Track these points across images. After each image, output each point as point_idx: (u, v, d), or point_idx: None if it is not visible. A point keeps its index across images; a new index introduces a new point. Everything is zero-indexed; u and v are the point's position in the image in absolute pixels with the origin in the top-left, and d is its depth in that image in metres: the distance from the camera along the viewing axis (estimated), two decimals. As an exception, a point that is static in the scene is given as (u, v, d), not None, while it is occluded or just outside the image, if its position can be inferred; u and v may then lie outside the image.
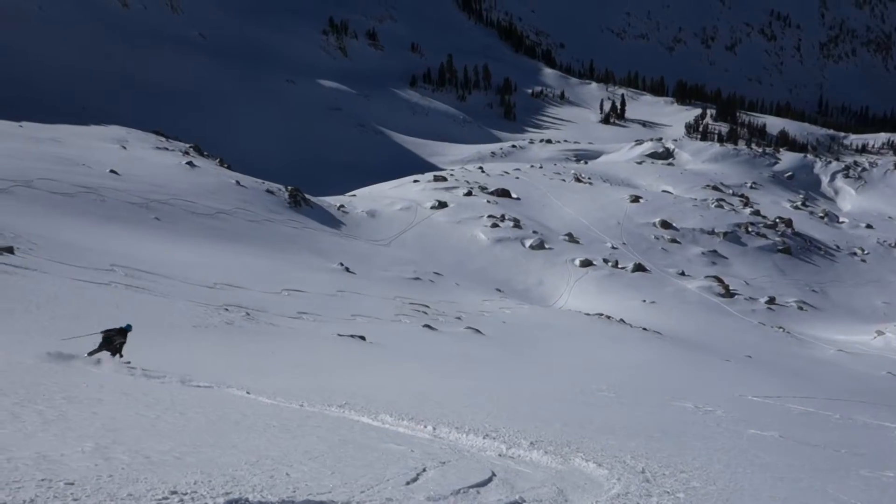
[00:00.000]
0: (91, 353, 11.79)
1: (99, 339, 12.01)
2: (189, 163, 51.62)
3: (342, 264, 38.75)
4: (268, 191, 52.44)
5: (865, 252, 71.89)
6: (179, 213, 39.40)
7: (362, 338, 20.10)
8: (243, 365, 13.10)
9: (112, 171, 42.64)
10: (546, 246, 56.47)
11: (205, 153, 59.56)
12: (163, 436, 6.72)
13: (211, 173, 51.80)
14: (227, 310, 20.34)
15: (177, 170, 49.33)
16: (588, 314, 38.82)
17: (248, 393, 10.33)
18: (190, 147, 58.51)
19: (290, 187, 54.80)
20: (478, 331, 26.70)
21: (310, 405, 9.83)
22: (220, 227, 40.24)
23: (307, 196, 55.45)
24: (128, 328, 12.26)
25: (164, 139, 59.13)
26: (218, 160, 59.20)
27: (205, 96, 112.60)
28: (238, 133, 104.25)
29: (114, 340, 12.03)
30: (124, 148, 51.93)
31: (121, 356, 11.95)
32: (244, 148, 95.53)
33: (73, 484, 4.88)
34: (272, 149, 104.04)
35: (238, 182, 51.24)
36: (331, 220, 53.19)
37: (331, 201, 59.11)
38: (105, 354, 11.82)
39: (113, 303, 17.84)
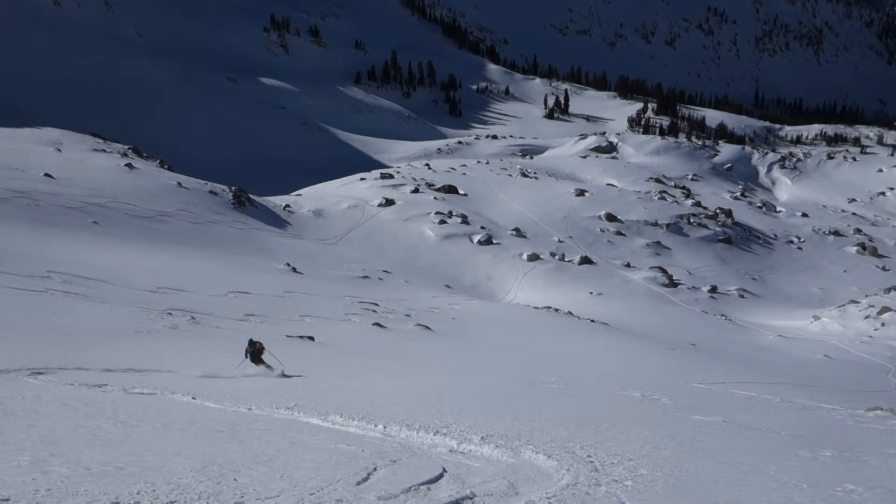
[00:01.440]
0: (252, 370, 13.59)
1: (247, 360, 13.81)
2: (128, 164, 50.50)
3: (289, 265, 38.38)
4: (211, 192, 51.61)
5: (802, 240, 74.07)
6: (119, 217, 38.52)
7: (311, 338, 19.92)
8: (188, 369, 12.85)
9: (47, 174, 41.47)
10: (494, 241, 56.78)
11: (144, 154, 58.31)
12: (104, 446, 6.56)
13: (151, 175, 50.77)
14: (170, 314, 19.94)
15: (115, 172, 48.20)
16: (536, 307, 39.15)
17: (193, 398, 10.13)
18: (129, 148, 57.18)
19: (233, 188, 54.05)
20: (428, 327, 26.70)
21: (258, 408, 9.69)
22: (163, 230, 39.47)
23: (252, 196, 54.78)
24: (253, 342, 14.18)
25: (101, 141, 57.68)
26: (158, 161, 58.02)
27: (143, 96, 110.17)
28: (179, 133, 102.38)
29: (249, 353, 13.88)
30: (59, 150, 50.54)
31: (261, 361, 13.78)
32: (185, 148, 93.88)
33: (7, 500, 4.73)
34: (214, 149, 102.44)
35: (180, 183, 50.30)
36: (276, 220, 52.63)
37: (276, 201, 58.48)
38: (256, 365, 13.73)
39: (50, 310, 17.34)
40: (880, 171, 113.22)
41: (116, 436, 7.05)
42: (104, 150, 54.00)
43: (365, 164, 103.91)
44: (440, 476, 6.57)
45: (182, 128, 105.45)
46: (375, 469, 6.60)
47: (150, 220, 40.22)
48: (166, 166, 57.55)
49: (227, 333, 19.13)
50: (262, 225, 49.59)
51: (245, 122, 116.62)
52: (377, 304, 30.70)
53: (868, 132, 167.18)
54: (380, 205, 61.14)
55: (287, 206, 57.36)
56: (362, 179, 71.38)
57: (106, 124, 78.71)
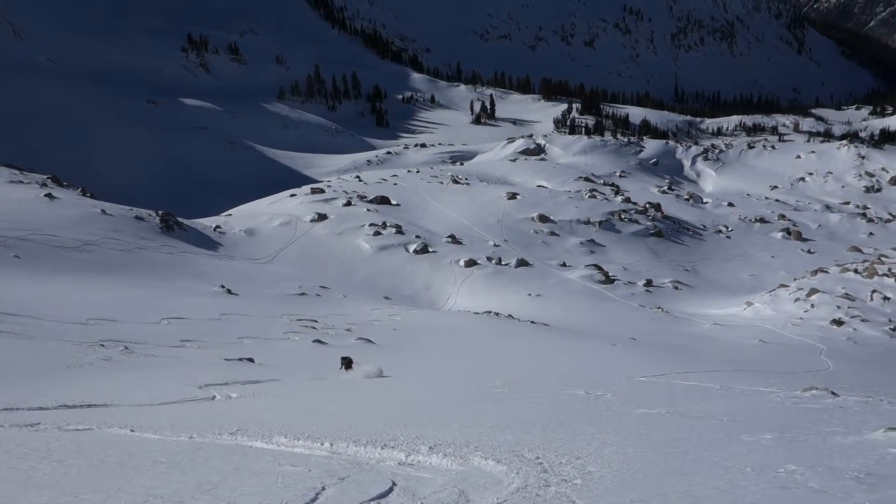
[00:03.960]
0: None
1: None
2: (48, 195, 48.86)
3: (223, 286, 37.67)
4: (137, 217, 50.35)
5: (730, 229, 76.33)
6: (42, 249, 37.21)
7: (251, 360, 19.56)
8: (125, 401, 12.45)
9: (-38, 210, 39.84)
10: (430, 249, 56.84)
11: (64, 183, 56.50)
12: (40, 487, 6.29)
13: (73, 204, 49.23)
14: (103, 345, 19.32)
15: (35, 203, 46.59)
16: (477, 313, 39.30)
17: (131, 430, 9.81)
18: (48, 178, 55.34)
19: (160, 212, 52.84)
20: (369, 340, 26.52)
21: (199, 436, 9.44)
22: (89, 260, 38.29)
23: (180, 219, 53.64)
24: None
25: (17, 171, 55.65)
26: (80, 189, 56.33)
27: (60, 124, 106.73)
28: (100, 160, 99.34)
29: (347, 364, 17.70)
30: (-27, 184, 48.65)
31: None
32: (108, 175, 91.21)
33: (-64, 554, 4.48)
34: (138, 174, 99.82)
35: (104, 211, 48.93)
36: (207, 242, 51.65)
37: (206, 223, 57.40)
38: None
39: (-26, 351, 16.59)
40: (798, 157, 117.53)
41: (52, 475, 6.77)
42: (21, 181, 52.11)
43: (295, 179, 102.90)
44: (390, 490, 6.50)
45: (103, 154, 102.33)
46: (324, 488, 6.49)
47: (75, 251, 38.98)
48: (89, 194, 55.92)
49: (164, 361, 18.64)
50: (193, 248, 48.59)
51: (168, 145, 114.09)
52: (316, 321, 30.37)
53: (784, 120, 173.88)
54: (312, 220, 60.59)
55: (217, 226, 56.36)
56: (293, 195, 70.64)
57: (22, 155, 75.94)
